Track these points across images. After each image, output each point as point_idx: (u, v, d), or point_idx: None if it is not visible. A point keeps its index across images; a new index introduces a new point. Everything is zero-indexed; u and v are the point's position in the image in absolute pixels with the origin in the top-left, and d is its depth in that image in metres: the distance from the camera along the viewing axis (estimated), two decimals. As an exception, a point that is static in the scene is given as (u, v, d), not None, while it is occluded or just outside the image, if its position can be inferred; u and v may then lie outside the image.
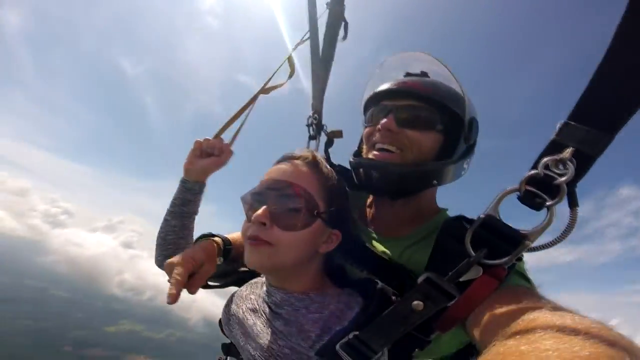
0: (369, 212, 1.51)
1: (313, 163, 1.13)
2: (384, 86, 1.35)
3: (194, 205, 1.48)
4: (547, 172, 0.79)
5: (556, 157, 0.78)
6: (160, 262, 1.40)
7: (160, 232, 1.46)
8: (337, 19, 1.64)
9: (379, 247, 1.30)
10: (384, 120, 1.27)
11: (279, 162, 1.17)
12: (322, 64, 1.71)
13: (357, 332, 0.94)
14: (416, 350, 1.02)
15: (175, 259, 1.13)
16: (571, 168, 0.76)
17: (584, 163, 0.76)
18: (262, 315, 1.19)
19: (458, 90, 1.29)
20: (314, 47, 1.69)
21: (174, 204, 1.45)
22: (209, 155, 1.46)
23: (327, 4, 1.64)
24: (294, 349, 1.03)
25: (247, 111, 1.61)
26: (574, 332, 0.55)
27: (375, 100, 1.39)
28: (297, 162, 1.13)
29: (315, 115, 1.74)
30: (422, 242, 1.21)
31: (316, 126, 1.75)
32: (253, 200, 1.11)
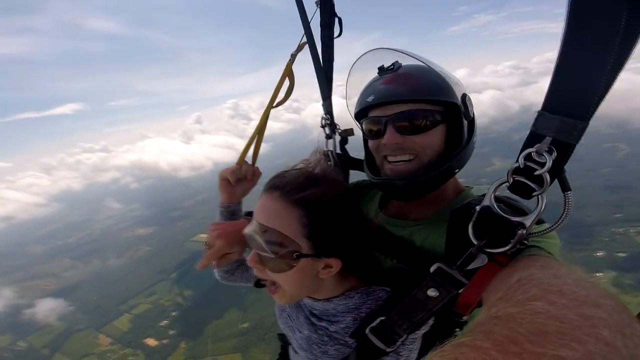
0: (390, 202, 1.54)
1: (298, 190, 1.07)
2: (369, 98, 1.32)
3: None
4: (528, 163, 0.81)
5: (533, 148, 0.79)
6: (222, 277, 1.66)
7: None
8: (329, 16, 1.73)
9: (404, 233, 1.37)
10: (386, 135, 1.28)
11: (265, 189, 1.14)
12: (324, 65, 1.78)
13: (383, 317, 1.05)
14: (457, 329, 1.13)
15: (218, 241, 1.36)
16: (548, 158, 0.77)
17: (563, 150, 0.77)
18: (303, 310, 1.34)
19: (438, 75, 1.27)
20: (313, 50, 1.76)
21: None
22: (239, 180, 1.63)
23: (316, 2, 1.72)
24: (332, 336, 1.20)
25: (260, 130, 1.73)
26: (559, 293, 0.56)
27: (364, 113, 1.39)
28: (277, 196, 1.08)
29: (327, 116, 1.79)
30: (443, 225, 1.18)
31: (329, 127, 1.80)
32: (248, 241, 1.15)
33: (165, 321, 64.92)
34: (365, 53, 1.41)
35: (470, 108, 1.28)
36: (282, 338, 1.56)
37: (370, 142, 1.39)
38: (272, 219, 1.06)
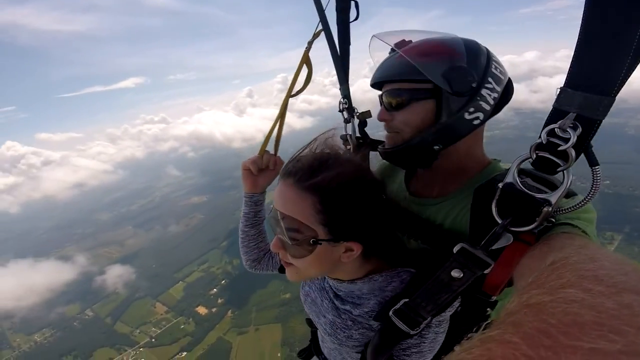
0: (414, 178, 1.57)
1: (310, 176, 1.05)
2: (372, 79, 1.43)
3: (263, 212, 1.67)
4: (552, 139, 0.80)
5: (556, 124, 0.78)
6: (250, 266, 1.71)
7: (242, 242, 1.68)
8: (344, 0, 1.70)
9: (426, 211, 1.36)
10: (379, 112, 1.39)
11: (280, 175, 1.14)
12: (340, 50, 1.79)
13: (407, 299, 1.03)
14: (489, 309, 1.13)
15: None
16: (572, 133, 0.76)
17: (588, 126, 0.76)
18: (327, 293, 1.34)
19: (423, 52, 1.24)
20: (329, 35, 1.75)
21: (247, 218, 1.64)
22: (262, 170, 1.63)
23: None
24: (355, 320, 1.20)
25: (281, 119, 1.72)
26: (595, 278, 0.51)
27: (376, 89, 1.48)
28: (291, 183, 1.07)
29: (345, 100, 1.81)
30: (467, 200, 1.17)
31: (347, 110, 1.81)
32: (272, 227, 1.16)
33: (215, 289, 68.91)
34: (372, 39, 1.41)
35: (458, 81, 1.18)
36: (310, 323, 1.55)
37: None
38: (287, 206, 1.06)
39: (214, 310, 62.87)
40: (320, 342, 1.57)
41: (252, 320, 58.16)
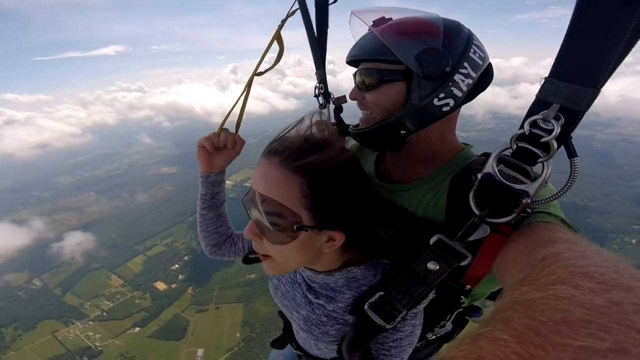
0: (385, 162, 1.54)
1: (299, 156, 0.98)
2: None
3: (222, 194, 1.57)
4: (534, 130, 0.80)
5: (540, 115, 0.78)
6: (210, 251, 1.60)
7: (200, 227, 1.57)
8: None
9: (398, 199, 1.33)
10: (351, 91, 1.37)
11: (264, 154, 1.05)
12: (317, 33, 1.74)
13: (382, 292, 1.01)
14: (462, 297, 1.16)
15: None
16: (556, 125, 0.76)
17: (572, 118, 0.76)
18: (299, 287, 1.27)
19: (398, 33, 1.19)
20: (305, 16, 1.70)
21: (204, 200, 1.52)
22: (220, 148, 1.49)
23: None
24: (330, 315, 1.16)
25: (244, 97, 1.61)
26: (586, 275, 0.51)
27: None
28: (276, 162, 0.98)
29: (321, 85, 1.77)
30: (441, 185, 1.21)
31: (323, 96, 1.78)
32: (246, 209, 1.10)
33: (176, 265, 66.66)
34: (351, 15, 1.33)
35: (430, 65, 1.12)
36: (283, 315, 1.48)
37: None
38: (270, 188, 0.98)
39: (173, 286, 60.83)
40: (294, 332, 1.48)
41: (214, 299, 56.69)
